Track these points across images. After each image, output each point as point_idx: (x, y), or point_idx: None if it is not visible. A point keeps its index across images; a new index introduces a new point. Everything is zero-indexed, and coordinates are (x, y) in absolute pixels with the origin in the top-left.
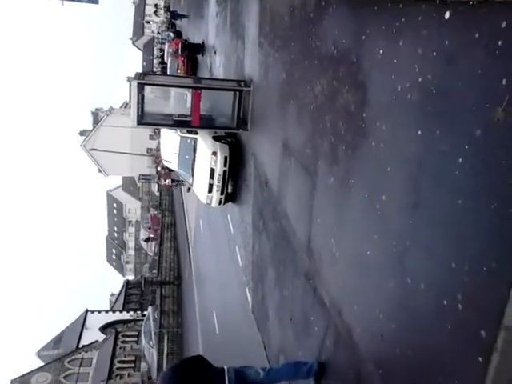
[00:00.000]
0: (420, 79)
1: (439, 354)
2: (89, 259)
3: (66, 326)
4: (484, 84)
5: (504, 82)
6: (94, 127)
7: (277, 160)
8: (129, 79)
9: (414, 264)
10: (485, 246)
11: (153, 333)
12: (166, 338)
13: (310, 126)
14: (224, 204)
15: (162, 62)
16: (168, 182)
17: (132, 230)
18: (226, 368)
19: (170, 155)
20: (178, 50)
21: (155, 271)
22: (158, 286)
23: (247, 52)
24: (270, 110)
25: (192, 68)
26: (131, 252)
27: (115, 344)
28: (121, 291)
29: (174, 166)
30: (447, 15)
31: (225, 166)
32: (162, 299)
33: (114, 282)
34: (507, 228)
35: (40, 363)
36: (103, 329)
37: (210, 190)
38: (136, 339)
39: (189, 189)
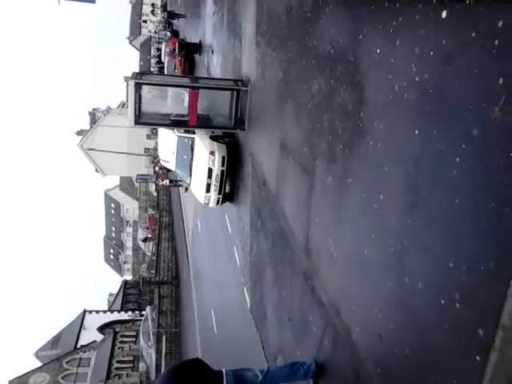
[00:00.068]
0: (417, 78)
1: (437, 353)
2: (87, 259)
3: (64, 327)
4: (481, 83)
5: (501, 81)
6: (91, 127)
7: (274, 159)
8: (126, 79)
9: (411, 263)
10: (482, 246)
11: (151, 333)
12: (164, 337)
13: (307, 126)
14: (222, 204)
15: (159, 62)
16: (166, 182)
17: (130, 230)
18: (224, 371)
19: (168, 155)
20: (175, 49)
21: (153, 271)
22: (156, 286)
23: (244, 51)
24: (268, 110)
25: (189, 67)
26: (129, 252)
27: (113, 344)
28: (119, 291)
29: (171, 165)
30: (444, 14)
31: (222, 165)
32: (160, 299)
33: (112, 282)
34: (504, 227)
35: (38, 364)
36: (101, 329)
37: (208, 190)
38: (134, 339)
39: (187, 189)
